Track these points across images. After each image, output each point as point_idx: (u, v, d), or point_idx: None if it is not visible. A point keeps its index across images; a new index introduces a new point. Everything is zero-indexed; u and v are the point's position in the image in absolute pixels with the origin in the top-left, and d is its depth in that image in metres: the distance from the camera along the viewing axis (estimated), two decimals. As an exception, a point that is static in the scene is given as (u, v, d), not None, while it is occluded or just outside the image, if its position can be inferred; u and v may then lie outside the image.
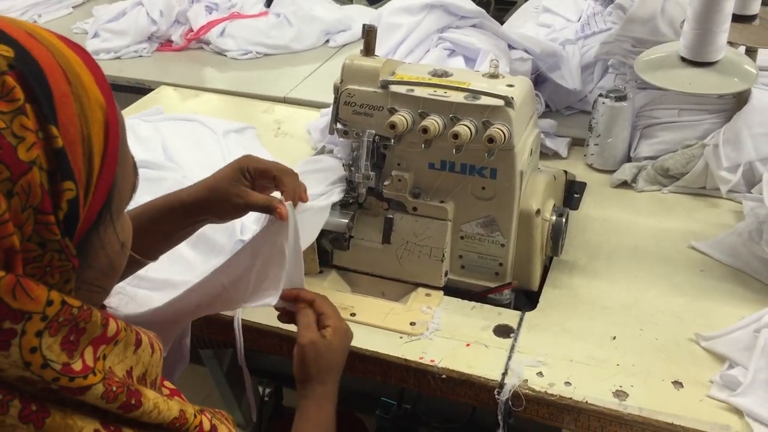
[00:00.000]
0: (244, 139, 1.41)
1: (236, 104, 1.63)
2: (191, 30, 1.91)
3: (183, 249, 1.02)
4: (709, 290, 1.02)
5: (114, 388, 0.50)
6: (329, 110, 1.06)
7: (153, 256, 0.86)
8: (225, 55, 1.86)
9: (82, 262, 0.50)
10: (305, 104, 1.59)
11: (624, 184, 1.27)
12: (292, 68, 1.79)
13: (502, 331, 0.96)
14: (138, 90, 1.70)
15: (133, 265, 0.84)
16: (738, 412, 0.83)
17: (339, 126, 1.02)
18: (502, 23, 1.73)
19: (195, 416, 0.57)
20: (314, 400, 0.82)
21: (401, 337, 0.96)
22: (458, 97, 0.95)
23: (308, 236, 0.99)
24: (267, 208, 0.84)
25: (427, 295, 1.03)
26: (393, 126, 0.94)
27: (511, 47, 1.39)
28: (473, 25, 1.39)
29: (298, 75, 1.74)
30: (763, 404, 0.82)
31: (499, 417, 0.87)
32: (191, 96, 1.65)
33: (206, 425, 0.58)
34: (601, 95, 1.28)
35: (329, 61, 1.83)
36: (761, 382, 0.83)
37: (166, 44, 1.92)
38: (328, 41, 1.93)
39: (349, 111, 1.00)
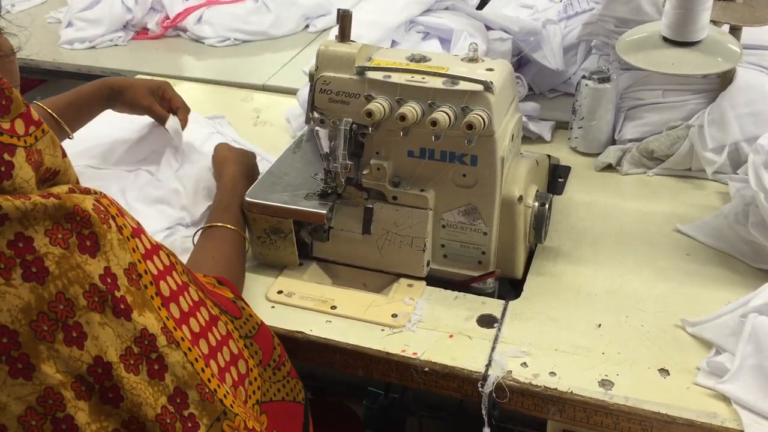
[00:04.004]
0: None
1: (214, 93, 1.60)
2: (167, 17, 1.86)
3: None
4: (695, 274, 1.01)
5: (36, 158, 0.61)
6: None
7: (73, 130, 1.17)
8: (202, 43, 1.82)
9: None
10: (285, 92, 1.56)
11: (609, 168, 1.25)
12: (271, 55, 1.76)
13: (486, 321, 0.94)
14: (114, 80, 1.67)
15: (58, 137, 1.09)
16: (725, 399, 0.81)
17: (315, 115, 0.99)
18: (484, 5, 1.70)
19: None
20: (230, 176, 1.08)
21: (383, 330, 0.94)
22: (436, 83, 0.93)
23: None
24: (161, 119, 1.23)
25: (409, 285, 1.01)
26: (370, 114, 0.92)
27: (489, 28, 1.36)
28: (446, 8, 1.37)
29: (277, 62, 1.71)
30: (750, 391, 0.80)
31: (483, 410, 0.85)
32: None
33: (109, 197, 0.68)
34: (584, 77, 1.26)
35: (309, 46, 1.79)
36: (748, 369, 0.81)
37: (142, 32, 1.88)
38: (308, 26, 1.90)
39: (324, 99, 0.98)
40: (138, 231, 0.67)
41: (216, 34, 1.82)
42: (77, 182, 0.67)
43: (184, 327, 0.67)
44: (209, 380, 0.67)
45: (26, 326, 0.58)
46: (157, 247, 0.69)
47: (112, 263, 0.62)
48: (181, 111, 1.24)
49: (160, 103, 1.23)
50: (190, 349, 0.66)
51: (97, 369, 0.60)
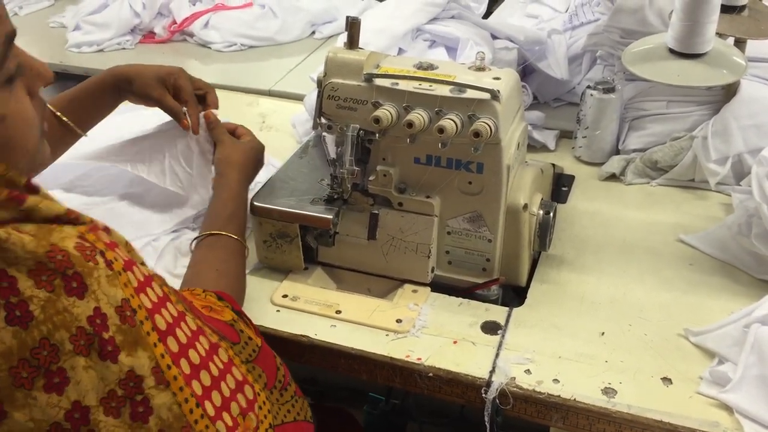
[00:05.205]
0: None
1: (220, 98, 1.60)
2: (174, 22, 1.88)
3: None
4: (699, 284, 1.01)
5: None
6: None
7: (84, 128, 1.10)
8: (209, 47, 1.84)
9: None
10: (291, 97, 1.57)
11: (612, 177, 1.26)
12: (277, 60, 1.77)
13: (490, 327, 0.95)
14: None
15: (67, 137, 1.09)
16: (728, 408, 0.82)
17: (323, 120, 1.00)
18: (490, 14, 1.72)
19: (84, 216, 0.64)
20: (235, 182, 1.03)
21: (387, 335, 0.94)
22: (444, 91, 0.94)
23: None
24: (173, 114, 1.10)
25: (414, 291, 1.02)
26: (377, 120, 0.93)
27: (494, 37, 1.37)
28: (452, 17, 1.38)
29: (284, 67, 1.72)
30: (752, 400, 0.81)
31: (486, 416, 0.86)
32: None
33: (99, 224, 0.65)
34: (589, 87, 1.26)
35: (315, 52, 1.80)
36: (751, 379, 0.82)
37: (148, 36, 1.89)
38: (314, 33, 1.91)
39: (332, 105, 0.98)
40: (130, 263, 0.64)
41: (223, 39, 1.83)
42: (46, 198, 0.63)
43: (182, 361, 0.65)
44: (196, 422, 0.64)
45: (5, 371, 0.55)
46: (149, 279, 0.66)
47: (102, 302, 0.60)
48: (190, 106, 1.11)
49: (175, 94, 1.11)
50: (181, 389, 0.64)
51: (74, 414, 0.58)
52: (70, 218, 0.62)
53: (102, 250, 0.62)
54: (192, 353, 0.66)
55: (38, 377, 0.56)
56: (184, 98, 1.11)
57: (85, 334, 0.58)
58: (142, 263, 0.68)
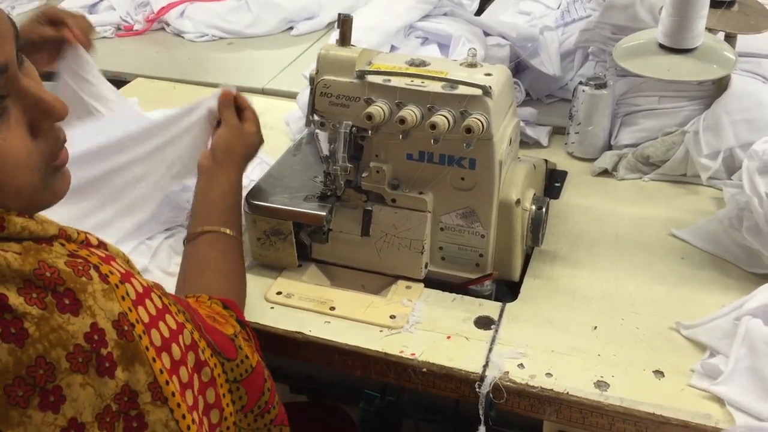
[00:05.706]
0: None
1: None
2: (152, 12, 1.91)
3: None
4: (690, 278, 1.02)
5: None
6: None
7: None
8: (182, 37, 1.86)
9: None
10: (284, 95, 1.57)
11: (605, 173, 1.26)
12: (271, 58, 1.77)
13: (483, 322, 0.95)
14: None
15: None
16: (719, 400, 0.82)
17: (315, 117, 1.00)
18: (482, 11, 1.72)
19: (78, 233, 0.64)
20: (235, 173, 1.01)
21: (381, 331, 0.95)
22: (435, 87, 0.94)
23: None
24: (58, 38, 1.07)
25: (408, 287, 1.02)
26: (370, 117, 0.93)
27: (487, 34, 1.38)
28: (444, 14, 1.38)
29: (278, 65, 1.72)
30: (744, 393, 0.81)
31: (480, 410, 0.86)
32: (168, 88, 1.63)
33: (93, 240, 0.65)
34: (581, 83, 1.27)
35: (309, 50, 1.80)
36: (742, 371, 0.82)
37: (126, 27, 1.91)
38: (291, 29, 1.91)
39: (325, 102, 0.99)
40: (127, 275, 0.63)
41: (195, 29, 1.87)
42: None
43: (174, 378, 0.64)
44: None
45: (0, 390, 0.55)
46: (149, 290, 0.65)
47: (99, 317, 0.59)
48: (68, 21, 1.07)
49: (51, 22, 1.07)
50: (179, 405, 0.63)
51: (71, 431, 0.57)
52: (63, 237, 0.62)
53: (96, 264, 0.61)
54: (182, 370, 0.66)
55: (33, 396, 0.56)
56: (60, 20, 1.08)
57: (82, 351, 0.57)
58: (139, 273, 0.67)
